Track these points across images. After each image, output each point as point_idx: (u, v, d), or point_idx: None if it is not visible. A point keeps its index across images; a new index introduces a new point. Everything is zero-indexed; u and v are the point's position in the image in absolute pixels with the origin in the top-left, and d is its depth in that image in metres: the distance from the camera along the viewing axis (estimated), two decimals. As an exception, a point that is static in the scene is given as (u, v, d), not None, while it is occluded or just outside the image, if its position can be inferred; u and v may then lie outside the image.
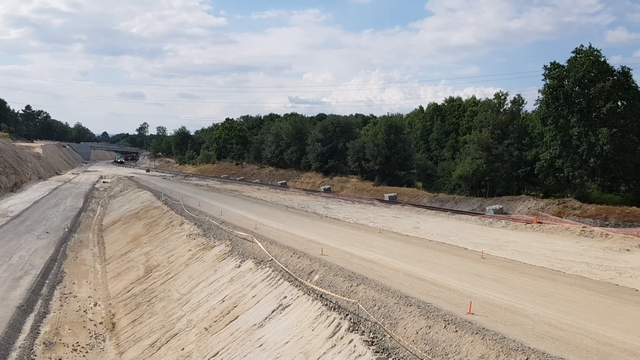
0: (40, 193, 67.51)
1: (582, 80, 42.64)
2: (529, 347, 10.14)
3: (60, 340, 19.13)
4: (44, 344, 18.66)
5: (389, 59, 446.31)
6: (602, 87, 41.32)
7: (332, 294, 15.05)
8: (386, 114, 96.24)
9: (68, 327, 20.48)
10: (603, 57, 43.08)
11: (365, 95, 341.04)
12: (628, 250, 25.39)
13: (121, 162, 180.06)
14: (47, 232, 40.40)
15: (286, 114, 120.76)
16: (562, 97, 42.70)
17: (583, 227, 32.76)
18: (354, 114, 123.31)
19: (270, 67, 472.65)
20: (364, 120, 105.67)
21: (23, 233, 39.16)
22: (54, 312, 22.24)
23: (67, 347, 18.54)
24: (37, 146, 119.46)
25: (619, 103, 42.43)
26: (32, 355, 17.56)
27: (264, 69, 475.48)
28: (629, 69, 42.79)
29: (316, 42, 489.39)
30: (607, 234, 29.64)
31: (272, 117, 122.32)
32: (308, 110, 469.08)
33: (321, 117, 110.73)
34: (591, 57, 42.64)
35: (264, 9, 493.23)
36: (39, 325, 20.37)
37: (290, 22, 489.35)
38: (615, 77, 42.51)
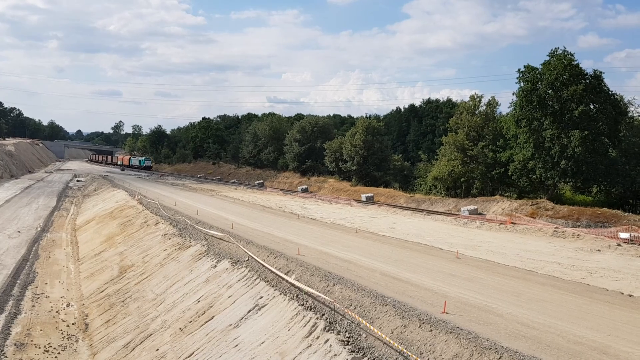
0: (12, 191, 66.22)
1: (555, 83, 43.29)
2: (502, 346, 10.30)
3: (31, 341, 18.81)
4: (15, 345, 18.34)
5: (366, 60, 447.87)
6: (575, 90, 42.00)
7: (311, 290, 15.08)
8: (364, 115, 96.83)
9: (40, 328, 20.14)
10: (575, 60, 43.79)
11: (343, 96, 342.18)
12: (599, 250, 25.93)
13: (148, 168, 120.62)
14: (19, 232, 39.66)
15: (264, 114, 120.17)
16: (536, 100, 43.28)
17: (555, 227, 33.35)
18: (332, 115, 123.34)
19: (248, 67, 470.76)
20: (341, 121, 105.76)
21: (-7, 232, 38.39)
22: (25, 313, 21.86)
23: (39, 348, 18.25)
24: (9, 144, 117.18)
25: (591, 106, 43.13)
26: (2, 357, 17.25)
27: (242, 68, 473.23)
28: (600, 72, 43.52)
29: (295, 42, 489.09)
30: (578, 235, 30.23)
31: (250, 117, 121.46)
32: (286, 110, 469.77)
33: (299, 117, 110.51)
34: (564, 61, 43.30)
35: (243, 8, 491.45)
36: (10, 326, 20.01)
37: (269, 22, 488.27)
38: (587, 81, 43.13)
